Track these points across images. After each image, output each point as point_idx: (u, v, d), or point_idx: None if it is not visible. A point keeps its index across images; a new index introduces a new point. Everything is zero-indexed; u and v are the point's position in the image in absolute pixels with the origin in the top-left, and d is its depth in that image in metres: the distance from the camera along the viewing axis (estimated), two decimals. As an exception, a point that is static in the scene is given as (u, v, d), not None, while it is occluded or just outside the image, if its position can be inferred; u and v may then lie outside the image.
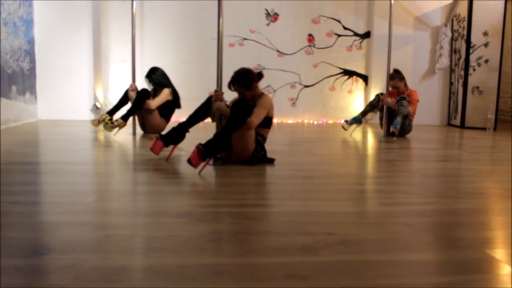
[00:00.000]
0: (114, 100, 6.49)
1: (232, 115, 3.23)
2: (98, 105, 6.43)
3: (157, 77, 5.04)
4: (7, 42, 5.37)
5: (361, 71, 7.10)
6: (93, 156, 3.97)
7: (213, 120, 3.57)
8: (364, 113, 5.69)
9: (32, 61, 6.13)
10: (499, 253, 1.75)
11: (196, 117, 3.59)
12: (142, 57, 6.41)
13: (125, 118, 4.88)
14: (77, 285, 1.38)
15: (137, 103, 4.86)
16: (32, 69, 6.14)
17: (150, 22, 6.58)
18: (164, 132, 3.65)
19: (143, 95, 4.88)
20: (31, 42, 6.08)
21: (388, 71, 5.42)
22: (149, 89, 5.05)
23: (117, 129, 4.87)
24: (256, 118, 3.31)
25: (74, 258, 1.57)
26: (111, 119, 4.95)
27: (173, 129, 3.54)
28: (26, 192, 2.49)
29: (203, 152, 3.04)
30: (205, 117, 3.61)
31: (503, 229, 2.06)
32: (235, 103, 3.30)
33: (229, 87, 3.42)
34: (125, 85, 5.23)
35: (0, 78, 5.04)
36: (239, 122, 3.21)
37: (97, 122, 5.07)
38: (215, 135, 3.23)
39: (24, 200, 2.32)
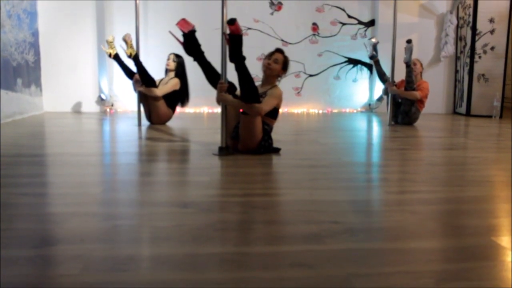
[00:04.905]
0: (119, 92, 6.52)
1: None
2: (103, 97, 6.45)
3: (178, 61, 5.12)
4: (12, 34, 5.37)
5: (366, 59, 7.05)
6: (99, 147, 3.99)
7: (218, 103, 3.55)
8: (380, 74, 5.78)
9: (37, 53, 6.14)
10: (505, 241, 1.75)
11: (208, 69, 3.55)
12: (146, 48, 6.40)
13: (124, 67, 5.00)
14: (86, 274, 1.40)
15: (143, 74, 4.87)
16: (37, 62, 6.15)
17: (153, 13, 6.56)
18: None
19: (150, 81, 4.89)
20: (35, 34, 6.09)
21: (393, 60, 5.39)
22: (168, 64, 5.14)
23: (109, 50, 4.95)
24: (266, 105, 3.32)
25: (82, 248, 1.59)
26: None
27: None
28: (34, 183, 2.52)
29: (237, 38, 3.16)
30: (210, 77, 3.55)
31: (509, 217, 2.06)
32: None
33: (273, 51, 3.52)
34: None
35: (1, 70, 5.04)
36: (254, 86, 3.25)
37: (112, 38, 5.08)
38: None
39: (32, 191, 2.34)
